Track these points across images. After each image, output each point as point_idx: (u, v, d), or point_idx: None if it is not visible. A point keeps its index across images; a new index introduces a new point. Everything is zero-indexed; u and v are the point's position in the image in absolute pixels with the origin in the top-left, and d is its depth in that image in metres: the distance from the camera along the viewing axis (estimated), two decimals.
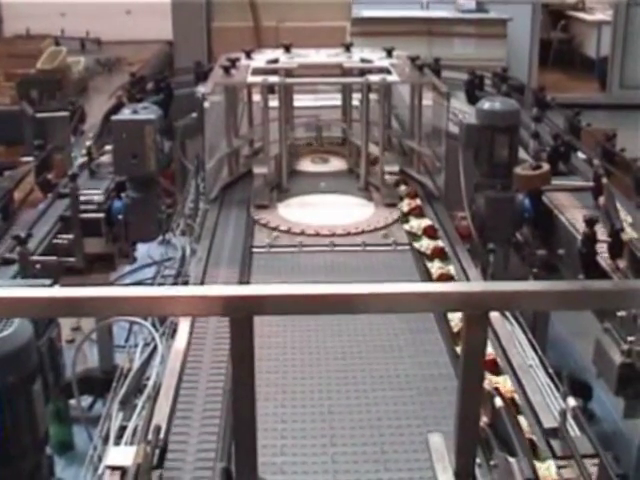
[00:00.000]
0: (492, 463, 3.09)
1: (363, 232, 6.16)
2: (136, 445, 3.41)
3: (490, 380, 3.85)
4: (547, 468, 3.28)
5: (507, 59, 14.07)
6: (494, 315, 4.81)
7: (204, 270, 5.54)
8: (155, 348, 5.12)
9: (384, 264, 5.69)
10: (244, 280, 5.36)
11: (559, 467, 3.42)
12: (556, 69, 16.17)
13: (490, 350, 4.28)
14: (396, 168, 7.09)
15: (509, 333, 4.79)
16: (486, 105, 6.33)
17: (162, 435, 3.57)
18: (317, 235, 6.10)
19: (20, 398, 3.18)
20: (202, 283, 5.29)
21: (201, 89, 7.11)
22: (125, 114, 6.21)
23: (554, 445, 3.61)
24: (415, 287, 2.88)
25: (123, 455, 3.40)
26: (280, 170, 7.07)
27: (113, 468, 3.42)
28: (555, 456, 3.52)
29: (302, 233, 6.14)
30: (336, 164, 7.74)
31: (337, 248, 5.90)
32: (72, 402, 6.47)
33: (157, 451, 3.49)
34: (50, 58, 10.67)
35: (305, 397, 4.08)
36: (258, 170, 7.02)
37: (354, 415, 3.93)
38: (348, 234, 6.11)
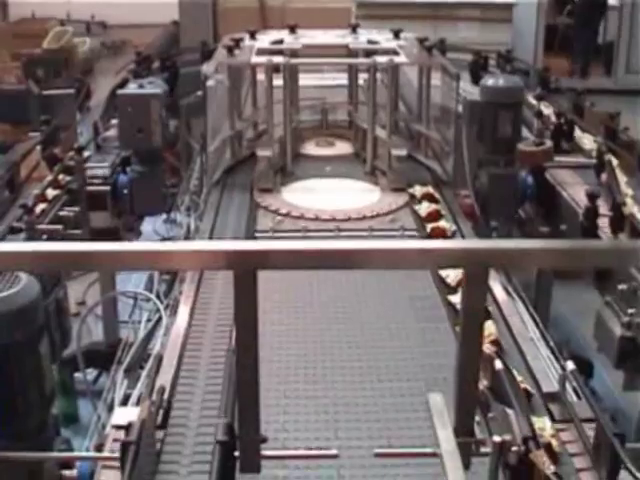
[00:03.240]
0: (490, 415, 3.13)
1: (369, 217, 6.06)
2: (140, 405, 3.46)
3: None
4: (542, 422, 3.33)
5: (512, 44, 14.04)
6: (499, 293, 4.86)
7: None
8: (159, 320, 5.18)
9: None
10: None
11: (558, 430, 3.47)
12: (562, 54, 16.12)
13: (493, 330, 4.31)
14: (404, 152, 6.91)
15: (512, 308, 4.81)
16: (490, 82, 6.37)
17: (166, 396, 3.61)
18: (322, 220, 6.01)
19: (27, 355, 3.22)
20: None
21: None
22: (131, 88, 6.26)
23: (553, 409, 3.65)
24: (416, 244, 2.92)
25: (128, 415, 3.45)
26: (284, 153, 7.00)
27: (118, 427, 3.47)
28: (554, 420, 3.57)
29: (306, 218, 6.04)
30: (342, 147, 7.66)
31: (343, 233, 5.79)
32: (77, 375, 6.55)
33: (161, 411, 3.54)
34: (56, 38, 10.69)
35: (307, 359, 4.16)
36: (262, 152, 6.91)
37: (355, 376, 3.99)
38: (354, 219, 6.02)
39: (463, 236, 5.67)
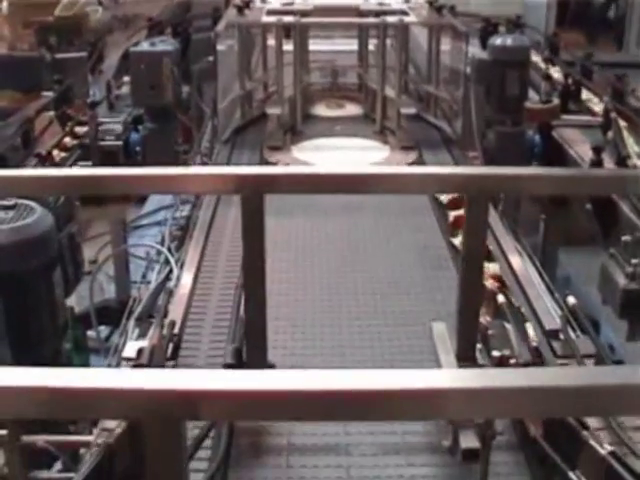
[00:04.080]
0: (490, 332, 3.20)
1: None
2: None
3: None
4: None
5: (524, 17, 14.01)
6: (508, 246, 4.92)
7: (214, 210, 5.54)
8: (170, 272, 5.27)
9: (400, 205, 5.68)
10: None
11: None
12: (573, 29, 16.08)
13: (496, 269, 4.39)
14: (413, 110, 7.09)
15: (519, 259, 4.86)
16: (498, 41, 6.40)
17: (176, 330, 3.70)
18: None
19: (41, 284, 3.31)
20: (211, 222, 5.33)
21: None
22: (143, 46, 6.32)
23: (555, 346, 3.72)
24: (419, 169, 3.00)
25: (138, 347, 3.53)
26: (294, 112, 7.11)
27: (128, 359, 3.55)
28: (556, 355, 3.63)
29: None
30: (352, 109, 7.78)
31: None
32: (90, 333, 6.64)
33: (171, 345, 3.62)
34: (68, 6, 10.73)
35: (315, 292, 4.27)
36: (272, 111, 7.06)
37: (360, 306, 4.09)
38: None
39: None
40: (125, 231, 6.97)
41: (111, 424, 3.01)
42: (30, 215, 3.29)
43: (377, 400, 1.67)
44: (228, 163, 6.33)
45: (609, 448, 2.69)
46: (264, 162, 6.29)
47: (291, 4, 7.58)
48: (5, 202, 3.30)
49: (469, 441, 2.69)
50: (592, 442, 2.73)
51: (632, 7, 15.19)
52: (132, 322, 5.03)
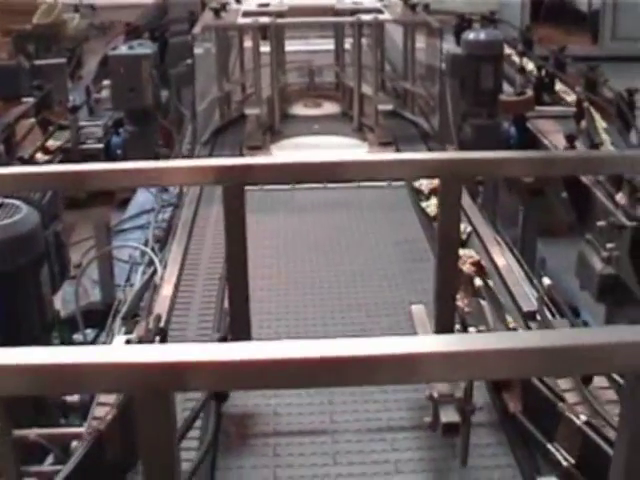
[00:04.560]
0: (466, 310, 3.29)
1: None
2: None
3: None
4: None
5: (498, 14, 14.13)
6: (487, 236, 5.00)
7: (195, 209, 5.60)
8: (154, 272, 5.34)
9: (378, 200, 5.74)
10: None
11: None
12: (548, 24, 16.21)
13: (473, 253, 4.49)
14: (390, 107, 7.16)
15: (498, 248, 4.94)
16: (471, 36, 6.53)
17: (162, 324, 3.77)
18: None
19: (29, 280, 3.39)
20: (193, 222, 5.39)
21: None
22: (122, 50, 6.41)
23: (532, 327, 3.81)
24: (394, 156, 3.08)
25: (125, 341, 3.60)
26: (273, 112, 7.17)
27: None
28: None
29: None
30: (329, 108, 7.83)
31: (330, 185, 5.84)
32: (76, 336, 6.69)
33: (157, 338, 3.69)
34: (46, 13, 10.79)
35: (296, 279, 4.36)
36: (250, 111, 7.11)
37: (342, 299, 4.18)
38: None
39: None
40: (109, 235, 7.02)
41: (101, 412, 3.10)
42: (17, 213, 3.37)
43: (357, 366, 1.75)
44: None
45: (584, 419, 2.78)
46: None
47: (267, 5, 7.65)
48: None
49: (449, 416, 2.78)
50: (569, 414, 2.82)
51: (606, 1, 15.33)
52: (118, 321, 5.11)
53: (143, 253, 6.07)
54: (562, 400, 2.91)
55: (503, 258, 4.51)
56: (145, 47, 6.40)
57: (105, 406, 3.18)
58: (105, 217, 7.16)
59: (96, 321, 6.87)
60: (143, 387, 1.76)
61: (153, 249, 5.98)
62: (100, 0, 15.21)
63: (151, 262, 5.39)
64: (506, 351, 1.79)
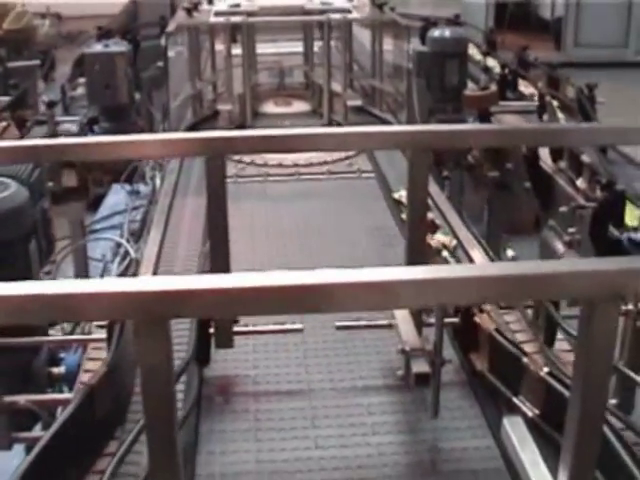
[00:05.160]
0: None
1: (329, 162, 6.33)
2: None
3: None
4: None
5: (463, 18, 14.39)
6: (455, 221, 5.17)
7: (170, 202, 5.72)
8: (130, 263, 5.47)
9: (349, 190, 5.94)
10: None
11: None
12: (512, 31, 16.49)
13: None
14: (359, 102, 7.35)
15: (465, 232, 5.09)
16: (436, 33, 6.75)
17: None
18: (282, 166, 6.30)
19: (19, 255, 3.53)
20: (168, 215, 5.49)
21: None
22: (97, 48, 6.56)
23: None
24: (362, 129, 3.24)
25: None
26: (244, 109, 7.36)
27: (100, 326, 3.74)
28: (500, 307, 3.91)
29: (267, 164, 6.30)
30: (299, 106, 8.04)
31: (303, 177, 6.14)
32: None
33: None
34: (16, 19, 10.91)
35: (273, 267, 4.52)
36: (223, 107, 7.30)
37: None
38: (314, 164, 6.32)
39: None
40: (83, 230, 7.14)
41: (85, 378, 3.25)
42: (6, 190, 3.52)
43: (332, 291, 1.93)
44: (182, 162, 6.44)
45: (547, 370, 2.97)
46: None
47: (237, 6, 7.85)
48: None
49: (420, 366, 2.96)
50: (532, 367, 3.01)
51: (568, 9, 15.63)
52: None
53: (118, 246, 6.20)
54: (526, 355, 3.09)
55: (470, 240, 4.69)
56: (120, 45, 6.56)
57: (91, 373, 3.33)
58: (79, 213, 7.29)
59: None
60: (141, 315, 1.91)
61: (128, 241, 6.13)
62: (65, 10, 15.33)
63: (126, 256, 5.54)
64: (471, 278, 1.96)
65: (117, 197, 9.06)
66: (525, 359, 3.06)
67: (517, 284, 1.99)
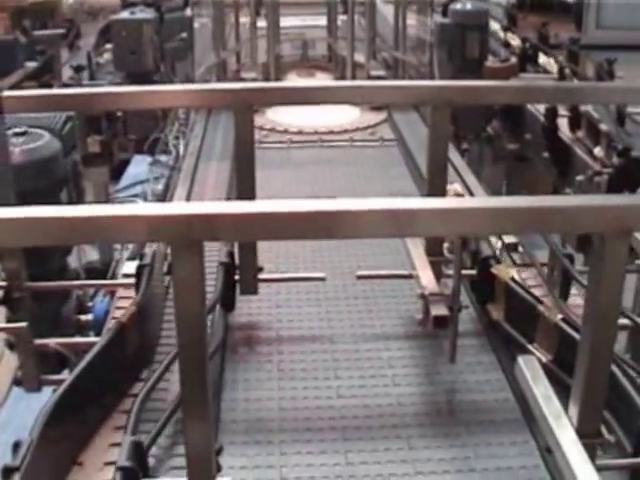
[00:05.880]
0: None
1: (350, 131, 6.44)
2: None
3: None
4: None
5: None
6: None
7: (195, 164, 5.78)
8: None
9: (372, 157, 6.01)
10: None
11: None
12: (534, 13, 16.47)
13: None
14: (382, 73, 7.40)
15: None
16: (458, 5, 6.83)
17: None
18: (306, 133, 6.43)
19: (50, 202, 3.61)
20: (193, 178, 5.50)
21: (189, 12, 7.50)
22: (124, 14, 6.67)
23: (514, 257, 4.09)
24: (388, 83, 3.35)
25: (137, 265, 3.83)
26: (268, 78, 7.38)
27: (127, 275, 3.84)
28: (515, 264, 4.01)
29: (291, 132, 6.45)
30: (322, 77, 8.06)
31: (325, 144, 6.24)
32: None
33: (166, 262, 3.91)
34: None
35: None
36: (246, 75, 7.37)
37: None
38: (336, 132, 6.43)
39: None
40: (107, 193, 7.27)
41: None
42: (40, 140, 3.65)
43: (353, 218, 2.04)
44: (205, 130, 6.59)
45: (561, 316, 3.07)
46: None
47: None
48: (17, 129, 3.65)
49: (439, 310, 3.06)
50: (547, 313, 3.11)
51: None
52: (124, 255, 5.27)
53: None
54: (540, 302, 3.20)
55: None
56: (146, 12, 6.67)
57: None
58: (104, 177, 7.42)
59: (95, 276, 7.15)
60: (178, 236, 2.03)
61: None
62: None
63: None
64: (487, 209, 2.08)
65: (139, 167, 9.21)
66: (540, 307, 3.16)
67: (532, 216, 2.10)
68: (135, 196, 8.10)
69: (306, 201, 2.06)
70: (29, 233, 2.05)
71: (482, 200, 2.18)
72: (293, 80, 7.97)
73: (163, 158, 8.62)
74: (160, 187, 7.68)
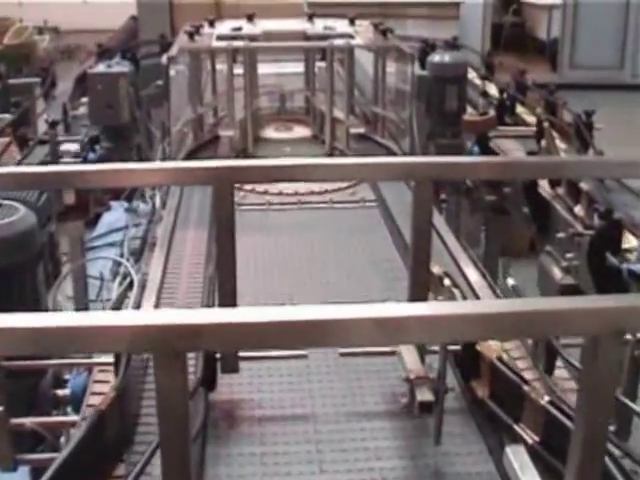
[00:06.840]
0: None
1: (331, 191, 6.29)
2: None
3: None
4: None
5: (460, 40, 14.53)
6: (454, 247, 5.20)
7: (174, 222, 5.69)
8: (131, 283, 5.49)
9: (352, 220, 5.93)
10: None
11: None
12: (508, 52, 16.61)
13: None
14: (361, 130, 7.34)
15: (465, 258, 5.12)
16: (436, 58, 6.84)
17: None
18: (285, 195, 6.28)
19: (27, 277, 3.59)
20: (170, 244, 5.40)
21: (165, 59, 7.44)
22: (100, 68, 6.63)
23: None
24: (369, 160, 3.30)
25: None
26: (245, 135, 7.33)
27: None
28: None
29: (269, 193, 6.28)
30: (300, 131, 8.00)
31: (305, 206, 6.11)
32: None
33: None
34: (16, 34, 11.02)
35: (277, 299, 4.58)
36: (224, 133, 7.31)
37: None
38: (316, 193, 6.29)
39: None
40: (83, 248, 7.19)
41: (95, 401, 3.30)
42: (15, 214, 3.58)
43: (337, 327, 1.99)
44: (182, 189, 6.39)
45: (548, 399, 3.03)
46: None
47: (239, 29, 7.87)
48: None
49: (424, 395, 3.02)
50: (533, 395, 3.07)
51: (564, 30, 15.74)
52: None
53: (117, 265, 6.22)
54: (527, 383, 3.16)
55: (470, 267, 4.75)
56: (122, 65, 6.64)
57: (98, 395, 3.39)
58: (80, 231, 7.33)
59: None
60: (159, 348, 1.97)
61: (128, 260, 6.16)
62: (63, 25, 15.43)
63: (126, 276, 5.56)
64: (475, 316, 2.03)
65: (115, 214, 9.12)
66: (526, 387, 3.12)
67: (520, 322, 2.06)
68: (111, 245, 8.02)
69: (293, 310, 2.01)
70: None
71: (474, 305, 2.13)
72: (271, 134, 7.94)
73: (141, 206, 8.55)
74: (139, 235, 7.54)
